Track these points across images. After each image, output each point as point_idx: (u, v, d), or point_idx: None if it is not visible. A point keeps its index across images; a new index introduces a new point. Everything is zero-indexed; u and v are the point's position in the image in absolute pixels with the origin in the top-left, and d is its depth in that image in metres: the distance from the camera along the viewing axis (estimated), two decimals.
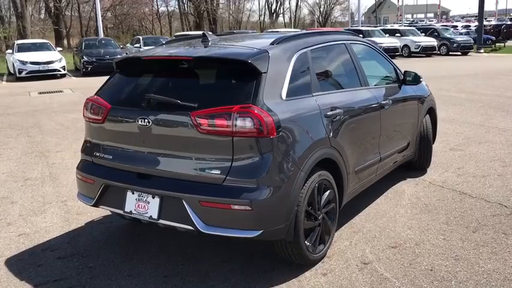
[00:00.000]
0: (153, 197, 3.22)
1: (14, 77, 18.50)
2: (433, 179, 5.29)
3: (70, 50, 31.79)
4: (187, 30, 44.25)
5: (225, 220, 3.03)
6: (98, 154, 3.56)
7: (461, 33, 32.48)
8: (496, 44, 31.37)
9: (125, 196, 3.34)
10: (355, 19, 53.73)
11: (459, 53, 27.44)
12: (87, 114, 3.61)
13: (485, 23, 35.70)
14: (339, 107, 3.69)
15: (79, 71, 20.44)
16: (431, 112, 5.59)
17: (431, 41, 26.98)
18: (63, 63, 18.94)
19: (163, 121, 3.19)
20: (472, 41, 28.32)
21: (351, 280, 3.26)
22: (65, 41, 41.51)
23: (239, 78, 3.22)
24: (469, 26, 41.25)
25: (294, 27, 53.08)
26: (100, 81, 4.46)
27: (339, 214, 3.76)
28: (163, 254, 3.70)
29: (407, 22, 63.18)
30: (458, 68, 19.19)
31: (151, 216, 3.21)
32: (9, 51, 20.31)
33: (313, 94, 3.54)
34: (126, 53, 19.37)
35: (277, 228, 3.09)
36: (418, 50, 26.42)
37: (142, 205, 3.25)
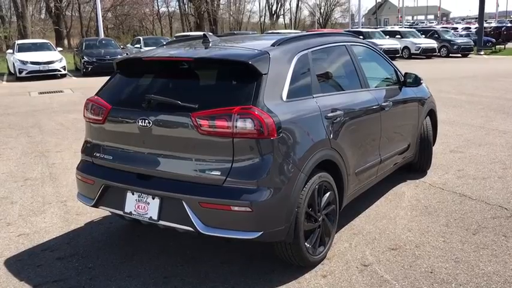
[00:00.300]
0: (153, 198, 3.21)
1: (14, 76, 18.50)
2: (433, 181, 5.29)
3: (70, 50, 31.82)
4: (188, 31, 44.28)
5: (225, 221, 3.03)
6: (98, 154, 3.56)
7: (461, 35, 32.54)
8: (496, 46, 31.37)
9: (124, 197, 3.33)
10: (356, 20, 53.81)
11: (459, 55, 27.45)
12: (88, 115, 3.61)
13: (485, 25, 35.73)
14: (340, 109, 3.69)
15: (79, 71, 20.45)
16: (432, 114, 5.59)
17: (432, 43, 27.00)
18: (64, 63, 18.95)
19: (164, 122, 3.18)
20: (472, 43, 28.34)
21: (350, 282, 3.25)
22: (66, 41, 41.55)
23: (240, 80, 3.22)
24: (469, 28, 41.32)
25: (294, 29, 53.08)
26: (100, 81, 4.46)
27: (339, 216, 3.75)
28: (163, 255, 3.70)
29: (408, 24, 63.20)
30: (459, 70, 19.20)
31: (151, 217, 3.21)
32: (10, 51, 20.32)
33: (314, 96, 3.54)
34: (127, 54, 19.39)
35: (277, 229, 3.08)
36: (418, 52, 26.43)
37: (142, 206, 3.25)
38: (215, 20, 48.80)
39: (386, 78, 4.97)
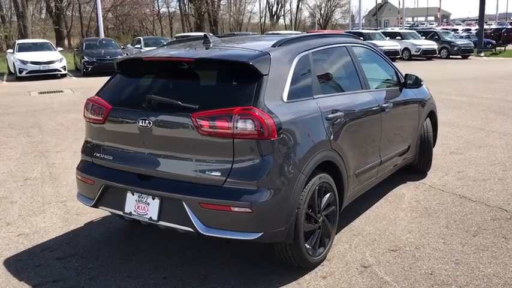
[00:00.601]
0: (153, 198, 3.21)
1: (15, 76, 18.50)
2: (433, 183, 5.29)
3: (71, 50, 31.82)
4: (188, 32, 44.31)
5: (225, 222, 3.03)
6: (98, 155, 3.55)
7: (461, 37, 32.52)
8: (497, 48, 31.37)
9: (124, 197, 3.33)
10: (356, 22, 53.81)
11: (459, 57, 27.45)
12: (88, 115, 3.61)
13: (485, 26, 35.74)
14: (340, 110, 3.69)
15: (79, 71, 20.45)
16: (432, 115, 5.59)
17: (432, 44, 27.01)
18: (64, 63, 18.95)
19: (164, 122, 3.18)
20: (473, 45, 28.36)
21: (350, 283, 3.25)
22: (66, 41, 41.54)
23: (240, 80, 3.22)
24: (470, 29, 41.31)
25: (295, 30, 53.08)
26: (100, 81, 4.46)
27: (339, 217, 3.75)
28: (162, 255, 3.69)
29: (408, 25, 63.18)
30: (459, 72, 19.20)
31: (151, 217, 3.20)
32: (10, 50, 20.32)
33: (314, 96, 3.53)
34: (127, 54, 19.41)
35: (277, 230, 3.08)
36: (418, 53, 26.43)
37: (142, 206, 3.25)
38: (215, 21, 48.82)
39: (387, 80, 4.97)
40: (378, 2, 79.01)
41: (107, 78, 3.93)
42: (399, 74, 5.02)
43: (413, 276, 3.31)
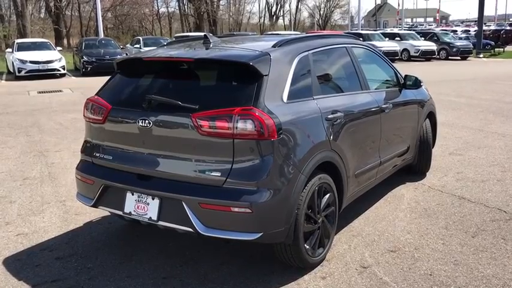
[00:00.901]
0: (153, 199, 3.21)
1: (14, 76, 18.47)
2: (432, 184, 5.29)
3: (70, 49, 31.78)
4: (187, 32, 44.30)
5: (224, 222, 3.03)
6: (97, 154, 3.55)
7: (460, 38, 32.53)
8: (495, 49, 31.42)
9: (124, 197, 3.33)
10: (355, 22, 53.88)
11: (458, 58, 27.49)
12: (88, 115, 3.60)
13: (484, 27, 35.77)
14: (340, 110, 3.69)
15: (79, 71, 20.43)
16: (431, 116, 5.60)
17: (431, 45, 27.04)
18: (63, 62, 18.93)
19: (164, 122, 3.18)
20: (472, 46, 28.40)
21: (350, 284, 3.25)
22: (65, 41, 41.51)
23: (240, 81, 3.22)
24: (469, 30, 41.31)
25: (294, 30, 53.10)
26: (100, 81, 4.46)
27: (338, 217, 3.75)
28: (162, 255, 3.69)
29: (407, 26, 63.25)
30: (458, 73, 19.23)
31: (150, 217, 3.20)
32: (9, 50, 20.29)
33: (314, 97, 3.54)
34: (126, 54, 19.41)
35: (277, 231, 3.08)
36: (417, 54, 26.46)
37: (142, 206, 3.25)
38: (215, 21, 48.83)
39: (387, 81, 4.97)
40: (377, 3, 79.19)
41: (106, 78, 3.93)
42: (399, 74, 5.02)
43: (413, 277, 3.32)
